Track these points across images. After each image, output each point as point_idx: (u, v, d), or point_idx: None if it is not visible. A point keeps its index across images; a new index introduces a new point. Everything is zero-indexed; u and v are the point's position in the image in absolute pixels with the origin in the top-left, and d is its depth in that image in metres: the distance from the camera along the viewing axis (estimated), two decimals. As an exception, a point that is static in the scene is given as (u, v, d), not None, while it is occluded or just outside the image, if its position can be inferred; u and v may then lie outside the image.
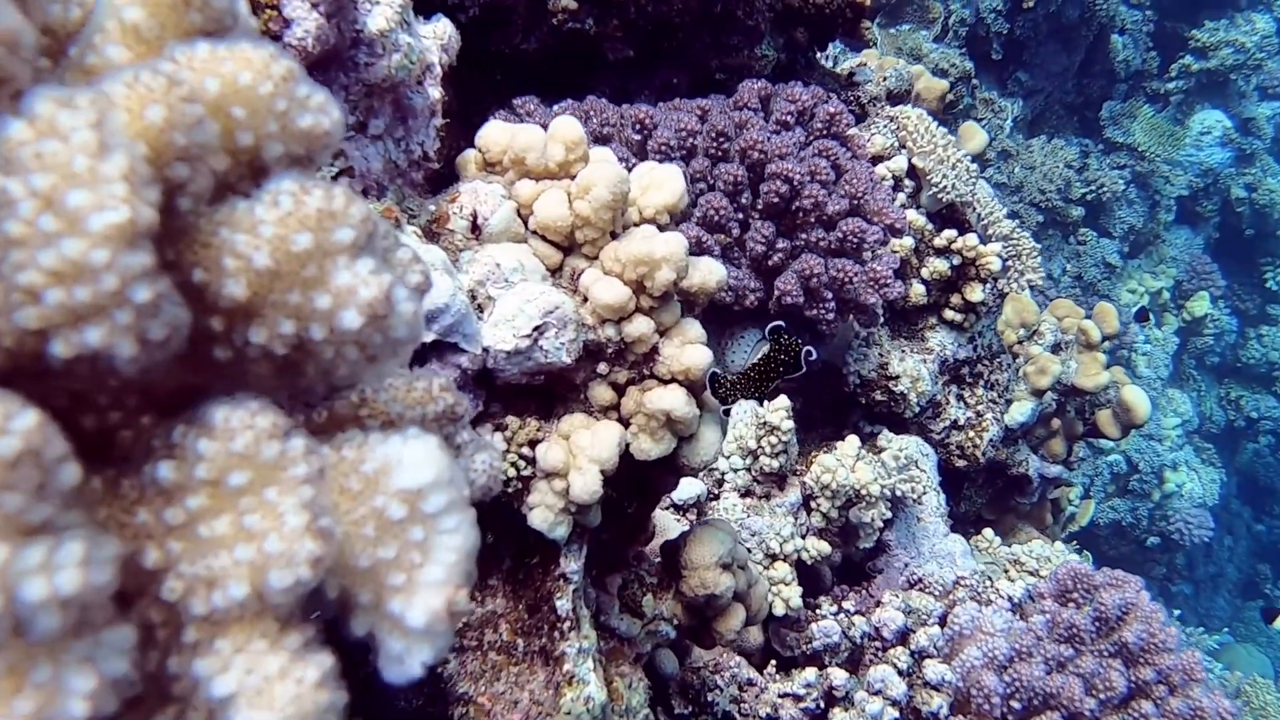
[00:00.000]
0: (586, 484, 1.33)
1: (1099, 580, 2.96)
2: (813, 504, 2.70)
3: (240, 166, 0.66)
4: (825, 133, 2.95)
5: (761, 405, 2.41)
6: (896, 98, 4.22)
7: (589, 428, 1.37)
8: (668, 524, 2.48)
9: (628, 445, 1.42)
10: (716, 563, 1.60)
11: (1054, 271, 8.46)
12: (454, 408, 0.75)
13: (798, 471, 2.76)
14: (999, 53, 8.33)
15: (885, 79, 4.15)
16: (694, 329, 1.42)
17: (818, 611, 2.80)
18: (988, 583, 2.97)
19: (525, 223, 1.42)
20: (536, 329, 1.32)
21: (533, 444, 1.38)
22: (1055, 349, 4.73)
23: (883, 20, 8.13)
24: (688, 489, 2.66)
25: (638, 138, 2.81)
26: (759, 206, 2.76)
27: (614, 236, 1.42)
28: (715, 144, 2.79)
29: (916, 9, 8.14)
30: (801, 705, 2.58)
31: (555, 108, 2.97)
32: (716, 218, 2.66)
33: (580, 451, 1.34)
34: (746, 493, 2.70)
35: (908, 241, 3.38)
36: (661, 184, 1.50)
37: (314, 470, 0.56)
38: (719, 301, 2.76)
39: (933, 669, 2.56)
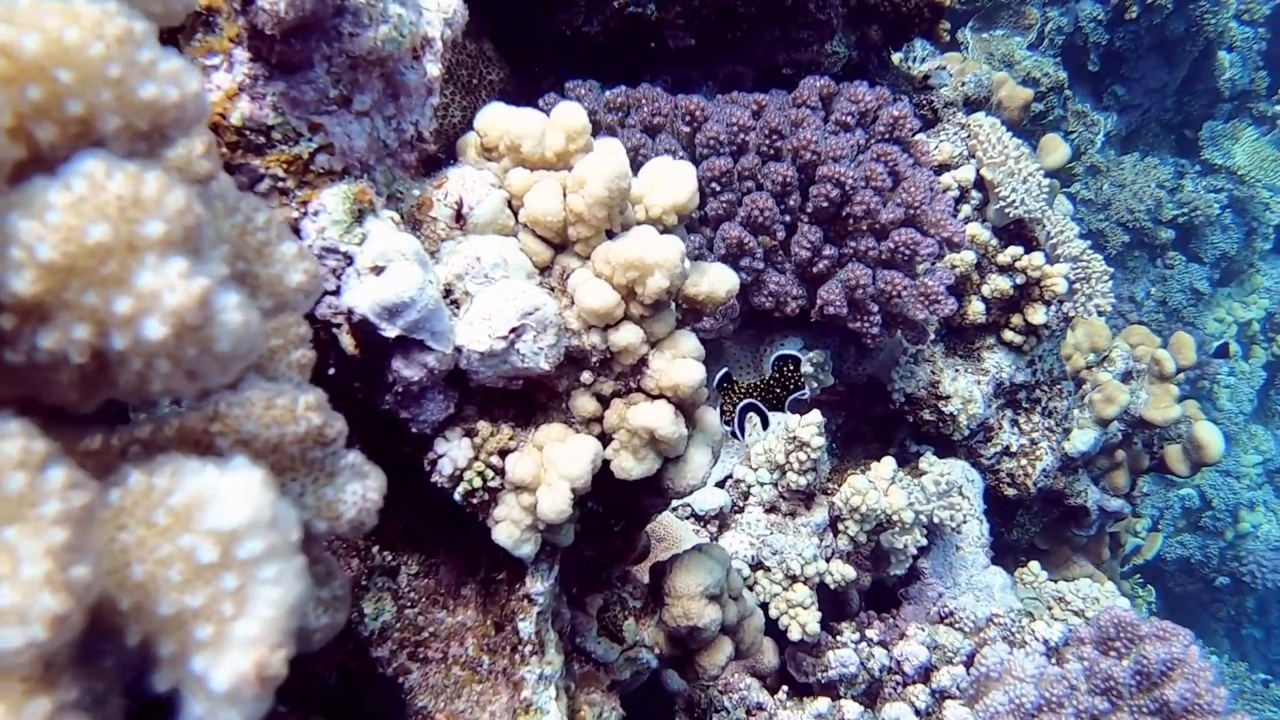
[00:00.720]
0: (554, 502, 1.23)
1: (1145, 630, 2.78)
2: (840, 526, 2.57)
3: (71, 139, 0.57)
4: (887, 136, 2.80)
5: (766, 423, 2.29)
6: (974, 104, 4.04)
7: (564, 440, 1.27)
8: (682, 534, 2.38)
9: (608, 462, 1.32)
10: (702, 593, 1.49)
11: (1137, 295, 8.14)
12: (322, 430, 0.66)
13: (829, 490, 2.63)
14: (1096, 64, 8.01)
15: (963, 84, 3.97)
16: (688, 342, 1.31)
17: (839, 638, 2.67)
18: (1024, 622, 2.81)
19: (517, 215, 1.33)
20: (513, 330, 1.22)
21: (504, 453, 1.29)
22: (1126, 377, 4.51)
23: (976, 25, 7.87)
24: (711, 500, 2.55)
25: (687, 129, 2.70)
26: (809, 210, 2.63)
27: (611, 236, 1.32)
28: (768, 141, 2.66)
29: (1012, 14, 7.87)
30: (810, 736, 2.46)
31: (607, 93, 2.88)
32: (760, 218, 2.54)
33: (552, 466, 1.24)
34: (771, 508, 2.58)
35: (969, 256, 3.21)
36: (670, 182, 1.39)
37: (73, 508, 0.47)
38: (758, 307, 2.64)
39: (953, 712, 2.42)
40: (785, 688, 2.53)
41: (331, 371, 1.33)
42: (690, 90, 3.37)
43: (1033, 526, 4.57)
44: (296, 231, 1.23)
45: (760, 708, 2.49)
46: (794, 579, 2.48)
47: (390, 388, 1.23)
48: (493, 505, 1.29)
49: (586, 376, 1.30)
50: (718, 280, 1.47)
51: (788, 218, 2.63)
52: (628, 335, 1.27)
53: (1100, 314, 3.36)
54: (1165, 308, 8.36)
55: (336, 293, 1.21)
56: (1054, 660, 2.77)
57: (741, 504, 2.62)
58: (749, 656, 1.69)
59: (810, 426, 2.46)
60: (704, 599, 1.50)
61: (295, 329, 0.77)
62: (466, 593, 1.49)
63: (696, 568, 1.51)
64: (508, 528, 1.27)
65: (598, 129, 2.80)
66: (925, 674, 2.55)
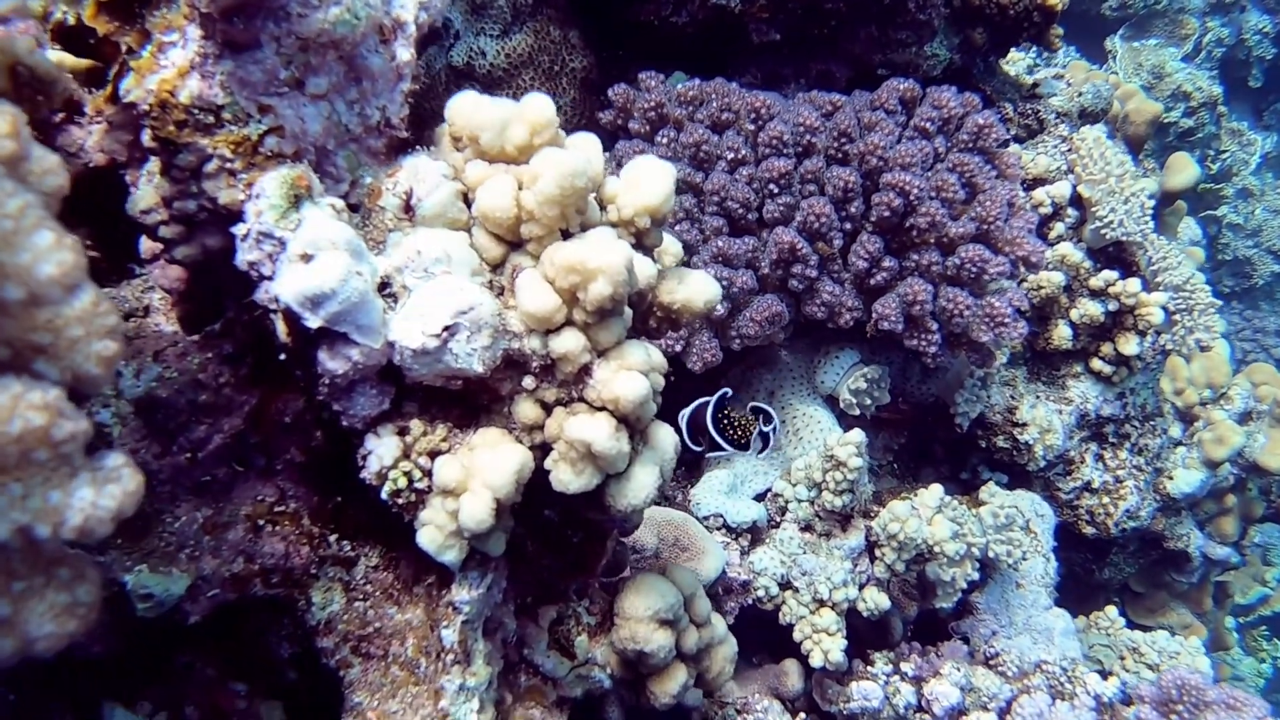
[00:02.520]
0: (474, 510, 1.18)
1: (1212, 696, 2.58)
2: (877, 553, 2.44)
3: None
4: (970, 146, 2.65)
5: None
6: (1091, 117, 3.80)
7: (495, 447, 1.22)
8: (707, 545, 2.30)
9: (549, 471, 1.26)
10: (652, 617, 1.42)
11: (1285, 329, 7.59)
12: (47, 430, 0.62)
13: (872, 513, 2.51)
14: (1259, 79, 7.50)
15: (1080, 95, 3.74)
16: (636, 354, 1.23)
17: (870, 668, 2.55)
18: (1077, 671, 2.63)
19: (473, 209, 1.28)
20: (446, 329, 1.17)
21: (435, 455, 1.24)
22: (1244, 418, 4.20)
23: (1127, 33, 7.46)
24: (744, 512, 2.46)
25: (752, 127, 2.60)
26: (872, 219, 2.50)
27: (567, 236, 1.26)
28: (836, 144, 2.55)
29: (1168, 23, 7.43)
30: (824, 768, 2.36)
31: (679, 86, 2.80)
32: (816, 224, 2.43)
33: (477, 473, 1.19)
34: (807, 527, 2.47)
35: (1057, 277, 3.02)
36: (643, 183, 1.32)
37: None
38: (809, 316, 2.54)
39: (977, 760, 2.28)
40: (803, 715, 2.43)
41: (282, 357, 1.31)
42: (780, 87, 3.27)
43: (1127, 567, 4.31)
44: (240, 215, 1.21)
45: (777, 732, 2.39)
46: (821, 603, 2.37)
47: (319, 378, 1.20)
48: (420, 507, 1.24)
49: (529, 382, 1.25)
50: (697, 290, 1.40)
51: (848, 226, 2.51)
52: (568, 342, 1.20)
53: (1202, 349, 3.12)
54: (1317, 344, 7.77)
55: (272, 278, 1.18)
56: (1106, 718, 2.59)
57: (778, 519, 2.52)
58: (715, 686, 1.60)
59: (849, 446, 2.34)
60: (654, 623, 1.42)
61: (103, 320, 0.73)
62: (419, 590, 1.46)
63: (648, 590, 1.44)
64: (431, 532, 1.23)
65: (665, 122, 2.73)
66: (955, 717, 2.41)
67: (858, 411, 2.63)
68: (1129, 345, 3.03)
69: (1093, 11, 7.55)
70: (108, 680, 1.45)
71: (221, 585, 1.37)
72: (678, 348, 2.42)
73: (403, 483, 1.23)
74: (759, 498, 2.59)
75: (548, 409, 1.26)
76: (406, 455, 1.24)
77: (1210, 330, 3.06)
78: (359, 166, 1.33)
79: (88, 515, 0.65)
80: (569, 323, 1.22)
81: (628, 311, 1.28)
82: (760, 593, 2.41)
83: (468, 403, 1.28)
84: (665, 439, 1.31)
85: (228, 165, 1.20)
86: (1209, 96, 6.88)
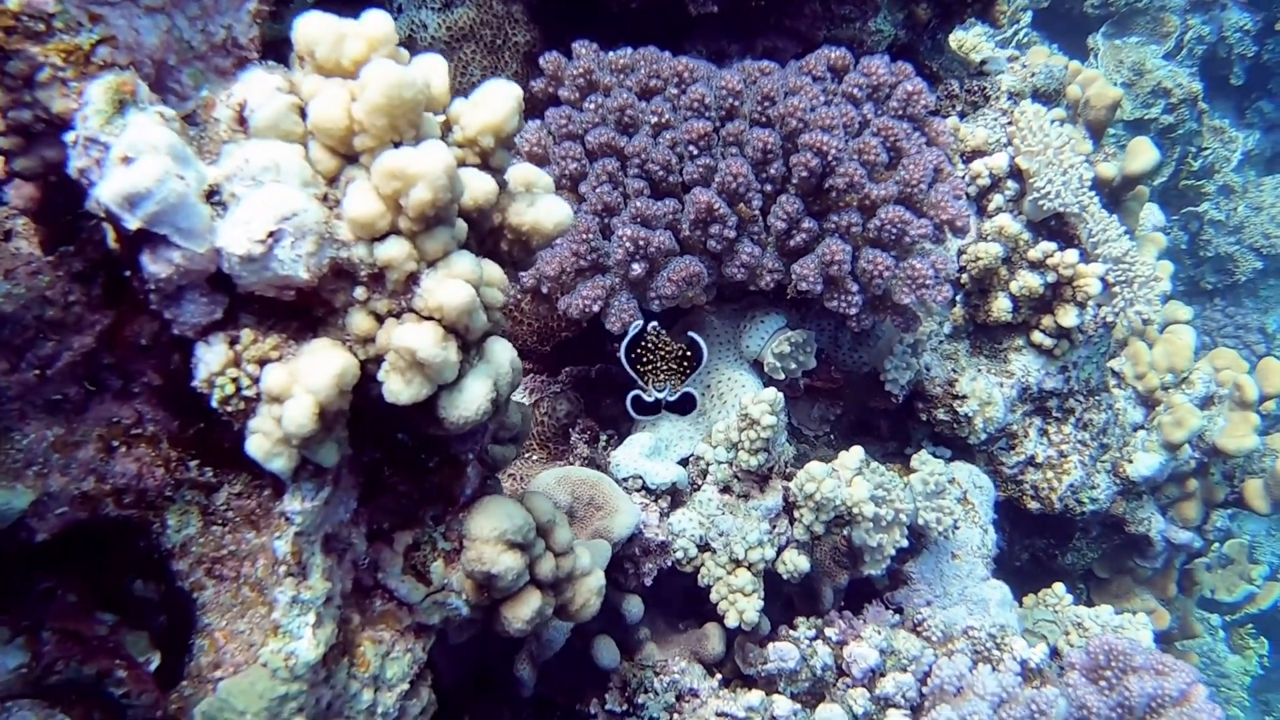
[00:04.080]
0: (295, 414, 1.18)
1: (1139, 662, 2.56)
2: (796, 514, 2.43)
3: None
4: (900, 113, 2.65)
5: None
6: (1045, 97, 3.80)
7: (319, 353, 1.22)
8: (620, 504, 2.30)
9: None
10: (498, 538, 1.41)
11: (1269, 326, 7.55)
12: None
13: (791, 475, 2.50)
14: (1240, 77, 7.48)
15: (1033, 75, 3.73)
16: (464, 263, 1.24)
17: (792, 632, 2.54)
18: (1005, 638, 2.61)
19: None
20: (271, 235, 1.18)
21: (265, 363, 1.25)
22: (1206, 402, 4.19)
23: (1109, 31, 7.47)
24: (663, 474, 2.46)
25: (675, 92, 2.61)
26: (794, 181, 2.50)
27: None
28: (760, 108, 2.55)
29: (1150, 21, 7.43)
30: (738, 728, 2.35)
31: (610, 54, 2.81)
32: (734, 185, 2.43)
33: (299, 377, 1.20)
34: (726, 488, 2.46)
35: (995, 249, 3.01)
36: (487, 102, 1.33)
37: None
38: (730, 278, 2.53)
39: None
40: (719, 676, 2.42)
41: (128, 275, 1.32)
42: (725, 64, 3.27)
43: (1090, 552, 4.30)
44: (72, 123, 1.22)
45: (694, 693, 2.38)
46: (738, 563, 2.36)
47: (145, 283, 1.21)
48: (250, 416, 1.25)
49: (360, 292, 1.25)
50: (546, 212, 1.41)
51: (769, 187, 2.51)
52: (392, 249, 1.21)
53: (1145, 322, 3.10)
54: (1302, 341, 7.74)
55: (99, 184, 1.19)
56: (1033, 683, 2.57)
57: (700, 482, 2.51)
58: (579, 618, 1.60)
59: (762, 404, 2.33)
60: (500, 544, 1.42)
61: None
62: (276, 512, 1.46)
63: (495, 511, 1.44)
64: (259, 439, 1.23)
65: (595, 89, 2.74)
66: (873, 678, 2.40)
67: (783, 376, 2.63)
68: (1068, 317, 3.02)
69: (1075, 10, 7.57)
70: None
71: (70, 503, 1.38)
72: (595, 307, 2.42)
73: (230, 389, 1.23)
74: (684, 463, 2.59)
75: (380, 320, 1.26)
76: (236, 363, 1.24)
77: (1151, 304, 3.04)
78: (205, 84, 1.34)
79: None
80: (395, 231, 1.22)
81: (461, 224, 1.28)
82: (679, 554, 2.41)
83: (305, 315, 1.29)
84: (501, 353, 1.31)
85: (60, 74, 1.22)
86: (1189, 93, 6.87)
